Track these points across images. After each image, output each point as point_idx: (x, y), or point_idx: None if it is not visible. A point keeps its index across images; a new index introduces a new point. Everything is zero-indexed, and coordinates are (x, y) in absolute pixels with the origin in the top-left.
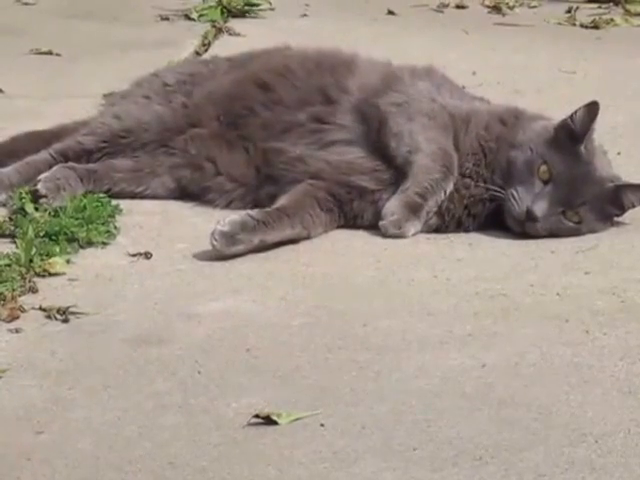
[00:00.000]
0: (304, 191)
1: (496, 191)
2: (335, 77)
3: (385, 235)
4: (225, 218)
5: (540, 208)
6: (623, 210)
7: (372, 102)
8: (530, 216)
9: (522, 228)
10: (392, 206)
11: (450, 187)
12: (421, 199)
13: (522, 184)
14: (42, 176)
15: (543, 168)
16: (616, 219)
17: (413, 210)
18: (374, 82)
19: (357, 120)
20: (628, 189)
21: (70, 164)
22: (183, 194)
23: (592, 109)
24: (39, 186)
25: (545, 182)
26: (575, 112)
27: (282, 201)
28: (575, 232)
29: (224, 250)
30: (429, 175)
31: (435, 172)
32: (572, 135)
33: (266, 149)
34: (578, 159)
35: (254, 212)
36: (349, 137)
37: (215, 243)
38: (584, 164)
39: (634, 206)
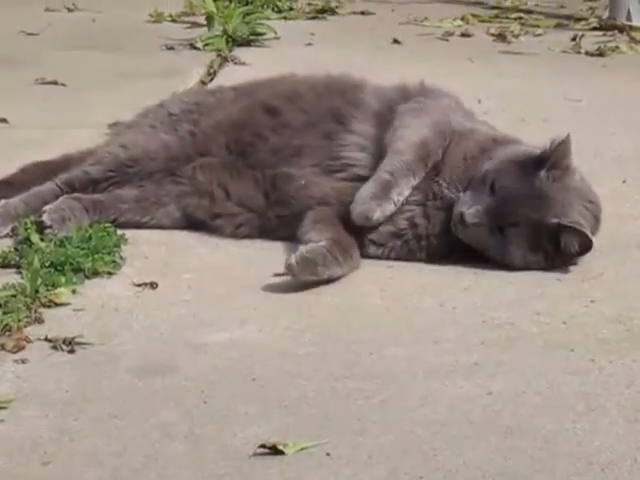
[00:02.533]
0: (337, 224)
1: (451, 191)
2: (346, 98)
3: (353, 216)
4: (306, 245)
5: (472, 214)
6: (559, 250)
7: (392, 108)
8: (461, 219)
9: (455, 230)
10: (364, 187)
11: (421, 174)
12: (391, 176)
13: (473, 191)
14: (47, 207)
15: (493, 180)
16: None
17: (383, 188)
18: (391, 94)
19: (374, 125)
20: (566, 230)
21: (76, 195)
22: (188, 223)
23: (566, 142)
24: (44, 217)
25: (492, 194)
26: (552, 142)
27: (331, 234)
28: (500, 254)
29: (300, 275)
30: (401, 156)
31: (407, 154)
32: (539, 160)
33: (275, 175)
34: (532, 182)
35: (328, 245)
36: (361, 142)
37: (295, 266)
38: (536, 188)
39: (573, 251)
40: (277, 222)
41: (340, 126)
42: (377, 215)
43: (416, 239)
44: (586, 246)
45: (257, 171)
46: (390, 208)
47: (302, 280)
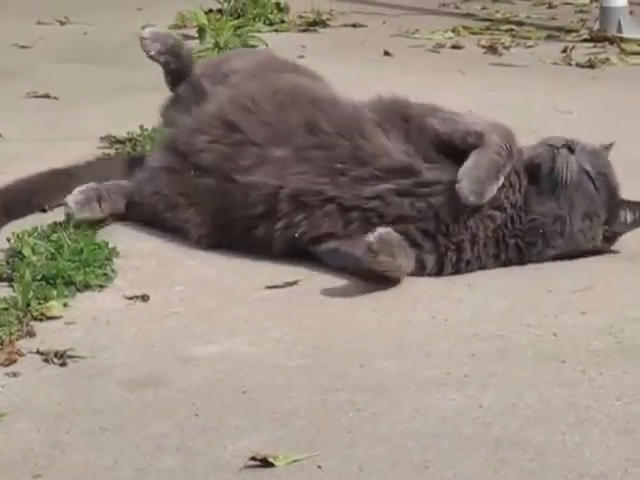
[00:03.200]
0: None
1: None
2: (322, 109)
3: (463, 198)
4: (384, 228)
5: (578, 146)
6: (614, 223)
7: (402, 115)
8: (568, 143)
9: (551, 156)
10: (468, 166)
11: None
12: (500, 157)
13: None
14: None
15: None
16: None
17: (495, 167)
18: (376, 104)
19: (388, 130)
20: (628, 205)
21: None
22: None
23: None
24: (68, 198)
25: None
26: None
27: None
28: (584, 196)
29: (380, 254)
30: (502, 140)
31: (506, 140)
32: None
33: (243, 184)
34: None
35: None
36: (383, 136)
37: (374, 244)
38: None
39: (626, 222)
40: (241, 236)
41: (326, 135)
42: (489, 195)
43: (454, 264)
44: None
45: (213, 178)
46: (496, 188)
47: (378, 260)
